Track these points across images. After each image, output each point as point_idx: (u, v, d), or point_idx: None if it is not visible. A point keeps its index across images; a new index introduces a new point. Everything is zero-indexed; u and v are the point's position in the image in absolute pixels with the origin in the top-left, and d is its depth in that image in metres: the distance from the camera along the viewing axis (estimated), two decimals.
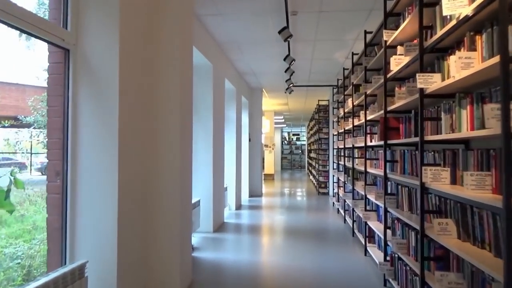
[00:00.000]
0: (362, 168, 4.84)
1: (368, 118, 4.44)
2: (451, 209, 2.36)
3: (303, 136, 25.35)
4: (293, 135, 26.12)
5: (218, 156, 6.20)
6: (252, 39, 5.78)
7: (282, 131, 25.27)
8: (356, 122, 5.46)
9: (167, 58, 3.28)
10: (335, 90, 8.84)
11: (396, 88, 3.41)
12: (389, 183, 3.66)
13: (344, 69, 6.90)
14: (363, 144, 4.80)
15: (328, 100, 10.65)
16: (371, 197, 4.26)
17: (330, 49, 6.27)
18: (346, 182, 6.39)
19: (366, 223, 4.55)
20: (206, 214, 5.71)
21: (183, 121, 3.35)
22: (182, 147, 3.34)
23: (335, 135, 8.30)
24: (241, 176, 9.01)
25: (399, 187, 3.37)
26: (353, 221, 5.61)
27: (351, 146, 5.77)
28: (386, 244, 3.62)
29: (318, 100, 10.99)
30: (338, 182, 7.68)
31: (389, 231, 3.57)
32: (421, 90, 2.55)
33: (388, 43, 3.50)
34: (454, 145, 2.54)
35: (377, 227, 4.10)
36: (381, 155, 4.20)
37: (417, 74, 2.49)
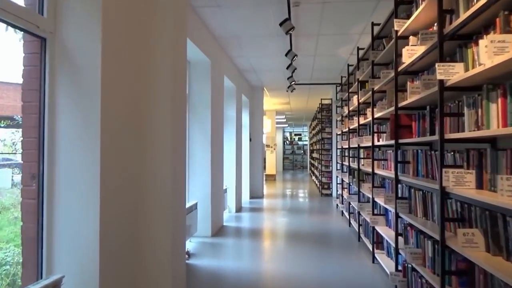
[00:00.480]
0: (369, 169, 4.55)
1: (376, 116, 4.15)
2: (476, 217, 2.07)
3: (305, 136, 25.05)
4: (295, 135, 25.83)
5: (217, 156, 5.92)
6: (252, 33, 5.50)
7: (284, 131, 24.97)
8: (362, 121, 5.17)
9: (157, 50, 3.00)
10: (338, 88, 8.56)
11: (409, 82, 3.12)
12: (399, 185, 3.37)
13: (348, 65, 6.61)
14: (370, 144, 4.51)
15: (331, 99, 10.36)
16: (379, 201, 3.97)
17: (334, 44, 5.98)
18: (351, 184, 6.10)
19: (373, 228, 4.26)
20: (204, 217, 5.43)
21: (175, 119, 3.07)
22: (175, 147, 3.06)
23: (339, 134, 8.01)
24: (242, 177, 8.73)
25: (412, 190, 3.08)
26: (359, 225, 5.32)
27: (356, 146, 5.48)
28: (397, 253, 3.33)
29: (321, 99, 10.70)
30: (342, 184, 7.39)
31: (400, 239, 3.28)
32: (441, 82, 2.26)
33: (399, 33, 3.21)
34: (477, 144, 2.25)
35: (386, 233, 3.81)
36: (390, 156, 3.91)
37: (436, 64, 2.20)
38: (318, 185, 11.95)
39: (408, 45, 3.12)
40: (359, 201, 5.29)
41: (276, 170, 17.11)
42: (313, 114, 15.52)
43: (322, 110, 10.81)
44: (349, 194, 6.22)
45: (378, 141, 4.32)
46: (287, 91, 9.91)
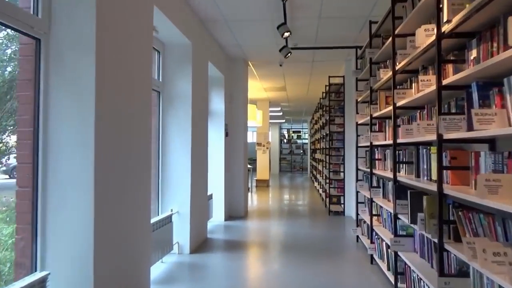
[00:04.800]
0: (455, 193, 1.50)
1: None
2: None
3: (304, 133, 21.99)
4: (293, 132, 22.76)
5: (135, 160, 2.85)
6: None
7: (280, 128, 21.93)
8: (427, 89, 2.13)
9: None
10: (360, 53, 5.51)
11: None
12: None
13: None
14: (497, 132, 1.47)
15: (343, 77, 7.32)
16: None
17: None
18: (401, 216, 3.05)
19: None
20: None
21: None
22: None
23: (361, 124, 4.98)
24: (207, 191, 5.62)
25: None
26: None
27: (418, 140, 2.44)
28: None
29: (329, 77, 7.61)
30: (370, 207, 4.34)
31: None
32: None
33: None
34: None
35: None
36: None
37: None
38: (323, 197, 8.90)
39: None
40: (441, 273, 2.25)
41: (270, 174, 14.04)
42: (315, 105, 12.46)
43: (330, 93, 7.75)
44: (395, 236, 3.18)
45: None
46: (280, 65, 6.94)
